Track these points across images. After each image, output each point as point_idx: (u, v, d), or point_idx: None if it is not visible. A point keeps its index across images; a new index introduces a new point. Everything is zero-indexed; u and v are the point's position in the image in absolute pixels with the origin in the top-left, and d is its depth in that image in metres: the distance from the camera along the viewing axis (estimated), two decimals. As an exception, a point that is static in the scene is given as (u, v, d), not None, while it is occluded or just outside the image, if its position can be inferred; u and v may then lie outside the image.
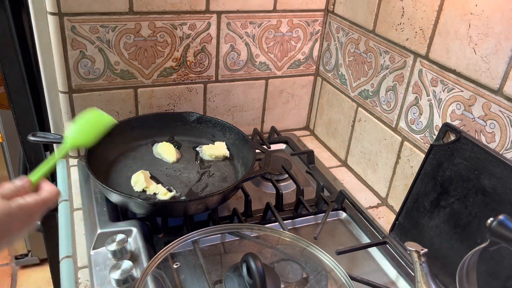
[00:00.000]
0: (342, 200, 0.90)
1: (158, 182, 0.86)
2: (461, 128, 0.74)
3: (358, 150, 1.02)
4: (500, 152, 0.68)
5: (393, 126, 0.90)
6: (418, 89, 0.82)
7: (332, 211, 0.88)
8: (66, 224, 0.81)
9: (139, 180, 0.83)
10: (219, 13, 0.97)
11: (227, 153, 0.94)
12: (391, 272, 0.78)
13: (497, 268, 0.64)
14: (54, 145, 1.01)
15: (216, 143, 0.96)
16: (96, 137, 0.68)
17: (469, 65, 0.71)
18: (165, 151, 0.93)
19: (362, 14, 0.95)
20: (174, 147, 0.96)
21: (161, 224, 0.81)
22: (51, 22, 0.85)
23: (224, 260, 0.76)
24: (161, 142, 0.97)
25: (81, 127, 0.69)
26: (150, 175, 0.87)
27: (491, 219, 0.53)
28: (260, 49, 1.05)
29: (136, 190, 0.82)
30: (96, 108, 0.71)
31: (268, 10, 1.01)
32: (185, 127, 0.99)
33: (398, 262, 0.78)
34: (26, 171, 1.29)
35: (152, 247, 0.76)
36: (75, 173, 0.95)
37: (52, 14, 0.84)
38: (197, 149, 0.97)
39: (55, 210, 0.91)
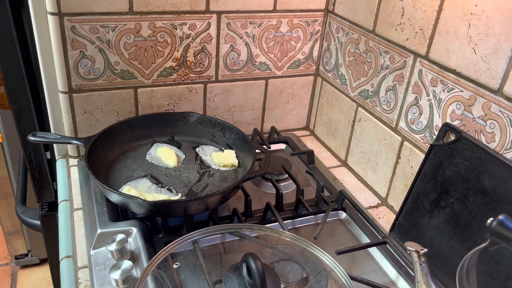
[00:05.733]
0: (342, 200, 0.90)
1: (158, 182, 0.86)
2: (461, 128, 0.74)
3: (358, 150, 1.02)
4: (500, 152, 0.68)
5: (393, 126, 0.90)
6: (418, 89, 0.82)
7: (332, 211, 0.88)
8: (66, 224, 0.81)
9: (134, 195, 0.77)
10: (219, 13, 0.97)
11: (236, 162, 0.92)
12: (391, 272, 0.78)
13: (497, 268, 0.64)
14: (54, 145, 1.01)
15: (225, 151, 0.95)
16: None
17: (469, 65, 0.71)
18: (165, 155, 0.92)
19: (362, 14, 0.95)
20: (175, 147, 0.96)
21: (161, 224, 0.81)
22: (51, 22, 0.85)
23: (224, 260, 0.76)
24: (161, 144, 0.97)
25: None
26: (151, 175, 0.87)
27: (491, 219, 0.53)
28: (260, 49, 1.05)
29: None
30: None
31: (268, 10, 1.01)
32: (185, 127, 0.99)
33: (398, 262, 0.78)
34: (26, 171, 1.29)
35: (152, 247, 0.76)
36: (75, 173, 0.95)
37: (52, 14, 0.84)
38: (197, 149, 0.97)
39: (55, 210, 0.91)
